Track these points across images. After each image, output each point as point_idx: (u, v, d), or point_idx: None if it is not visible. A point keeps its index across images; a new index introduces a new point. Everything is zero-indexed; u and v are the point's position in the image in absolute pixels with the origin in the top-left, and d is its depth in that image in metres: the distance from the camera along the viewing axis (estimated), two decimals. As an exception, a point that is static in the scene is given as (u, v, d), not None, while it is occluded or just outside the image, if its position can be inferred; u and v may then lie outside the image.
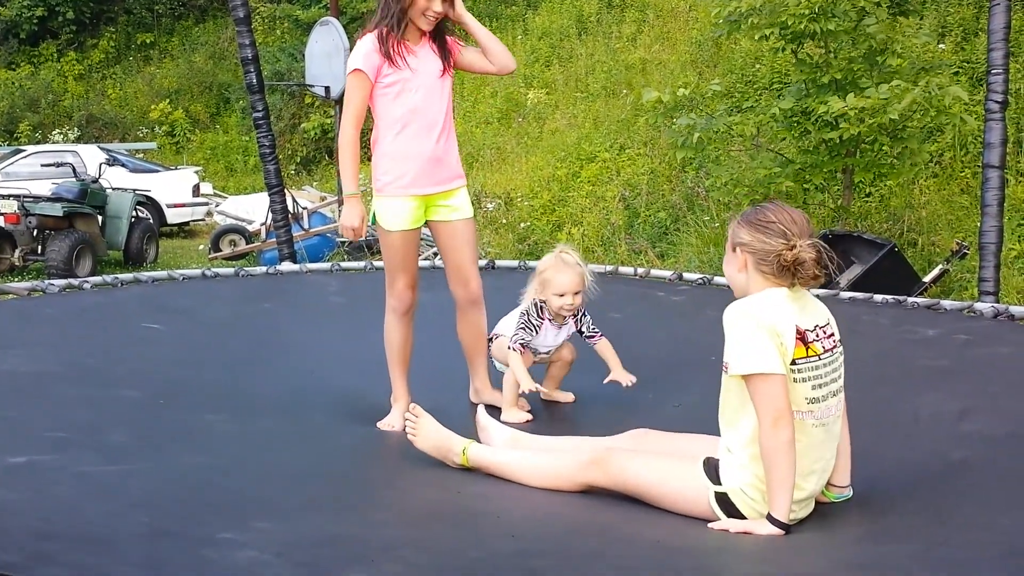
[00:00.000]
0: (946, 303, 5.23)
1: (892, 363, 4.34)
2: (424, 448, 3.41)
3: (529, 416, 3.99)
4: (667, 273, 6.40)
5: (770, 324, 2.76)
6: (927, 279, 7.21)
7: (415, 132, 3.78)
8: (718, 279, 6.11)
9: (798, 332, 2.77)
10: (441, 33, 3.84)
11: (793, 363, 2.76)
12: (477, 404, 3.93)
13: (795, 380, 2.76)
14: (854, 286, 6.69)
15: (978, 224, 5.76)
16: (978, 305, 5.13)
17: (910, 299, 5.42)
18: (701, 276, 6.12)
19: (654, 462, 3.03)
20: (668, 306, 5.61)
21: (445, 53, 3.83)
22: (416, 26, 3.75)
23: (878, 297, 5.44)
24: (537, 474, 3.21)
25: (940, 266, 7.38)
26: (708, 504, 2.89)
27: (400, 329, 3.94)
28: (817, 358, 2.79)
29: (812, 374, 2.79)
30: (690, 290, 5.89)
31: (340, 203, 13.17)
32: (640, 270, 6.49)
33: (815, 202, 8.83)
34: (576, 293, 3.89)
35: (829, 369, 2.83)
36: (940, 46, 10.18)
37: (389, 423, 3.90)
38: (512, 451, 3.38)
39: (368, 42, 3.74)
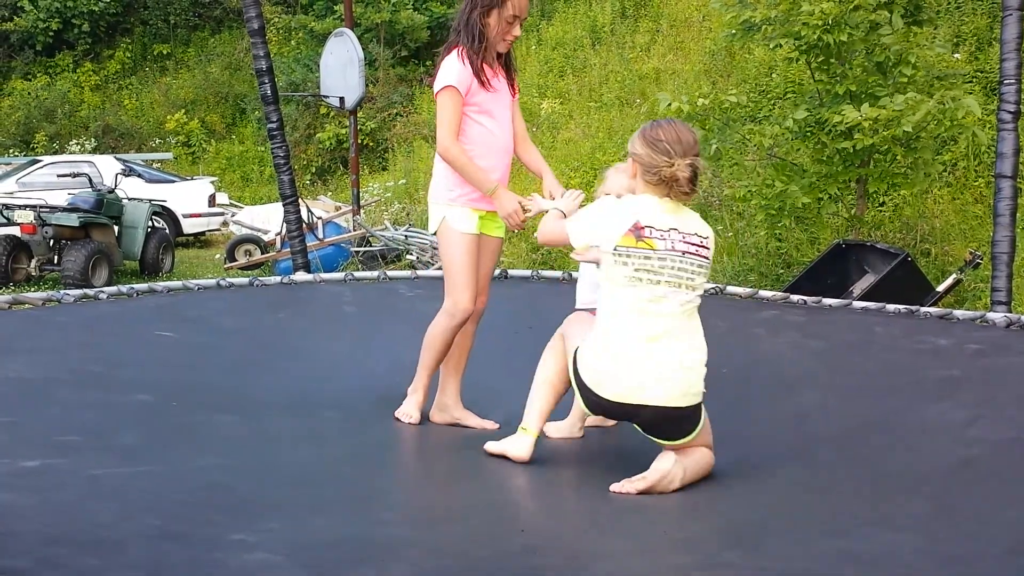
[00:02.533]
0: (958, 313, 5.22)
1: (903, 372, 4.35)
2: None
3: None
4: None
5: (622, 211, 3.26)
6: (940, 289, 7.19)
7: (487, 152, 3.90)
8: (731, 288, 6.11)
9: (636, 225, 3.20)
10: (508, 58, 4.00)
11: (615, 248, 3.21)
12: (440, 423, 4.04)
13: (615, 262, 3.23)
14: (867, 295, 6.68)
15: (991, 234, 5.75)
16: (990, 315, 5.12)
17: (922, 309, 5.41)
18: (714, 286, 6.13)
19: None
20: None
21: (512, 78, 4.01)
22: (493, 50, 3.91)
23: (890, 307, 5.43)
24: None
25: (953, 276, 7.35)
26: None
27: (449, 337, 3.97)
28: (651, 251, 3.19)
29: (639, 263, 3.19)
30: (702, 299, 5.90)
31: (355, 213, 13.25)
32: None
33: (829, 212, 8.83)
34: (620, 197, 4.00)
35: (666, 264, 3.20)
36: (955, 56, 10.17)
37: (406, 412, 4.00)
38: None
39: (456, 60, 3.86)
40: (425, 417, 4.05)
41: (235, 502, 2.93)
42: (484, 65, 3.86)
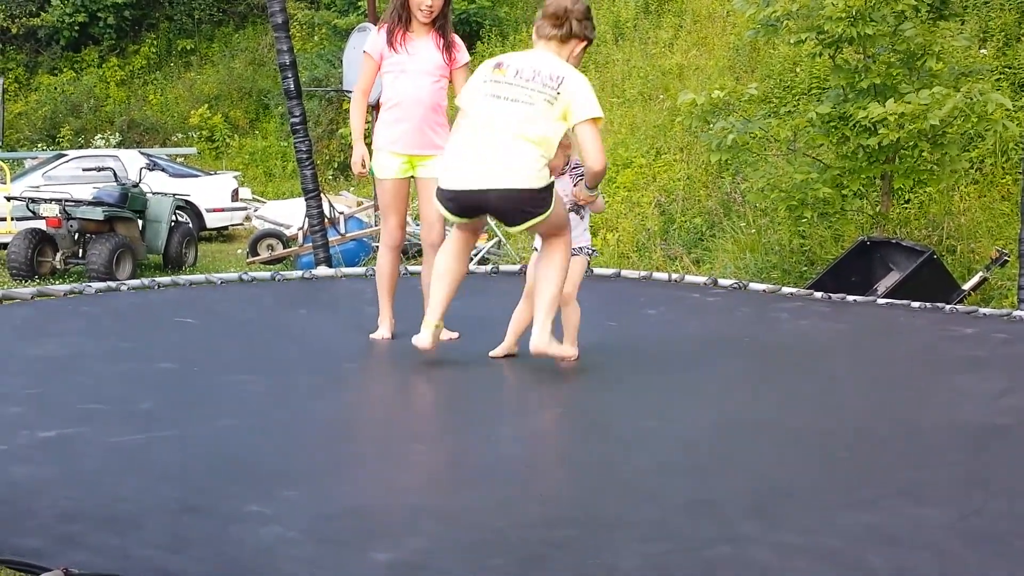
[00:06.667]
0: (985, 310, 5.17)
1: (933, 352, 4.35)
2: None
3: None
4: (701, 279, 6.37)
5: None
6: (966, 287, 7.12)
7: (399, 104, 4.68)
8: (753, 285, 6.08)
9: (499, 63, 3.91)
10: (445, 31, 4.71)
11: (489, 75, 3.90)
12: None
13: (482, 85, 3.91)
14: (892, 293, 6.62)
15: (1018, 231, 5.69)
16: (1018, 313, 5.07)
17: (948, 307, 5.36)
18: (735, 282, 6.09)
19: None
20: (701, 306, 5.61)
21: (448, 49, 4.70)
22: (417, 20, 4.63)
23: (915, 304, 5.38)
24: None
25: (980, 274, 7.28)
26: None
27: (389, 261, 4.87)
28: (503, 76, 3.83)
29: (493, 83, 3.85)
30: (724, 293, 5.87)
31: (376, 208, 13.30)
32: (675, 276, 6.47)
33: (853, 208, 8.76)
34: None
35: (512, 86, 3.79)
36: (982, 51, 10.07)
37: (379, 334, 4.82)
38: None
39: (375, 31, 4.79)
40: (394, 336, 4.80)
41: (254, 471, 2.94)
42: (404, 33, 4.66)
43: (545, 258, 3.99)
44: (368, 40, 4.81)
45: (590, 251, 4.43)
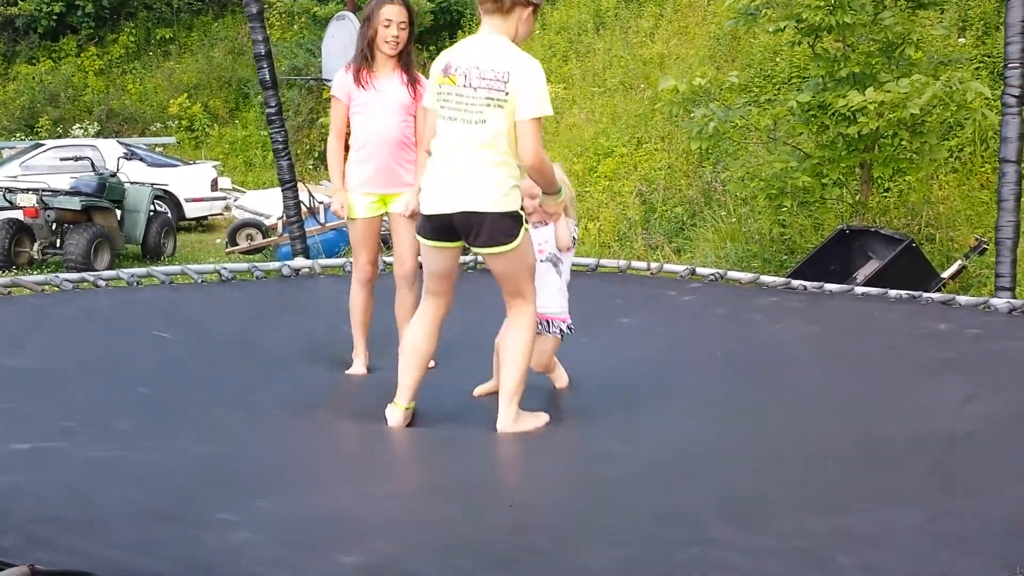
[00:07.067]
0: (961, 298, 5.19)
1: (904, 353, 4.35)
2: None
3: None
4: (680, 268, 6.37)
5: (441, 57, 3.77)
6: (945, 275, 7.14)
7: (366, 142, 4.73)
8: (732, 274, 6.08)
9: (446, 66, 3.67)
10: (410, 68, 4.76)
11: (439, 87, 3.68)
12: None
13: (436, 97, 3.71)
14: (871, 281, 6.63)
15: (996, 219, 5.72)
16: (994, 301, 5.09)
17: (925, 295, 5.38)
18: (714, 271, 6.09)
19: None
20: (679, 306, 5.60)
21: (413, 84, 4.72)
22: (384, 54, 4.68)
23: (893, 293, 5.40)
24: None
25: (959, 262, 7.31)
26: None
27: (361, 296, 4.87)
28: (452, 85, 3.63)
29: (444, 97, 3.66)
30: (701, 287, 5.87)
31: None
32: (653, 265, 6.46)
33: (832, 197, 8.77)
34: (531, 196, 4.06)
35: (463, 99, 3.60)
36: (961, 40, 10.09)
37: (355, 370, 4.78)
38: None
39: (341, 73, 4.80)
40: (370, 370, 4.77)
41: (224, 485, 2.92)
42: (369, 71, 4.71)
43: (510, 335, 3.82)
44: (334, 84, 4.85)
45: (564, 328, 4.23)
